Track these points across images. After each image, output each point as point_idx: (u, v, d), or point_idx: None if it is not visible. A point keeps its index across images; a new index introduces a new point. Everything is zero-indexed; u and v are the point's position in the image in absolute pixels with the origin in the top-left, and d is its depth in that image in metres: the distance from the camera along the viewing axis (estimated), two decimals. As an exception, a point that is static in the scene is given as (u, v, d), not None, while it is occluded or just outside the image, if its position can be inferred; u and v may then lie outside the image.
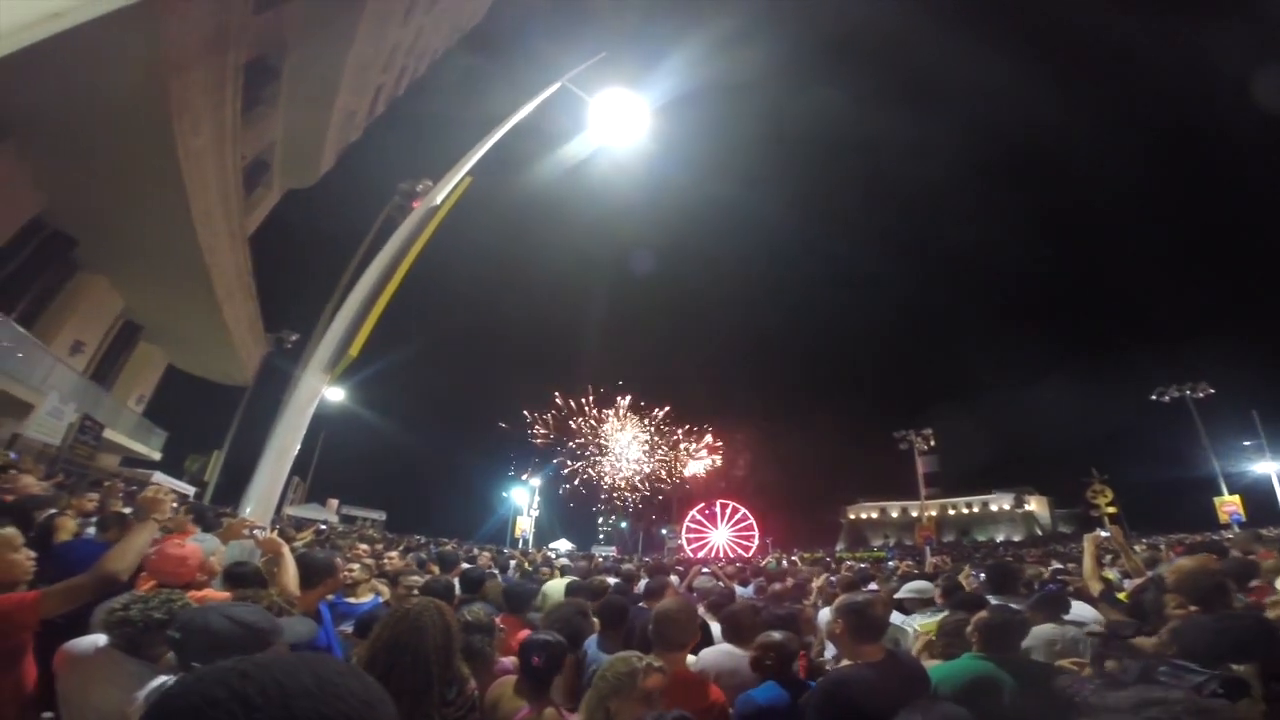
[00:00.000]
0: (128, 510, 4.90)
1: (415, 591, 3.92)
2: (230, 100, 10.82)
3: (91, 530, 4.38)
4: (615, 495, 50.68)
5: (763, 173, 75.45)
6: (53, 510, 4.51)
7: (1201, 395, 26.05)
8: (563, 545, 37.42)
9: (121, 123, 9.32)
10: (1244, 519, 22.49)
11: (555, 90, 11.48)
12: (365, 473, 50.73)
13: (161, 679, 1.67)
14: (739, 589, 6.74)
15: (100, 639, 1.86)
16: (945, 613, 3.40)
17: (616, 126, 12.19)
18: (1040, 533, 53.54)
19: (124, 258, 13.62)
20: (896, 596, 4.79)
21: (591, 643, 3.27)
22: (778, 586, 6.45)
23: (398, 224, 11.20)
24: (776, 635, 2.74)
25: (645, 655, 2.16)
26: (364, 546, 7.38)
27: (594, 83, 11.99)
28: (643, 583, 6.27)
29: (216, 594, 2.94)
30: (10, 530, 2.23)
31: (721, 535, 44.90)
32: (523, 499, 45.09)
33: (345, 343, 7.19)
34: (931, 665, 2.79)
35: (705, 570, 7.79)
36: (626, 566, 9.47)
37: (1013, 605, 3.27)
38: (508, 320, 77.54)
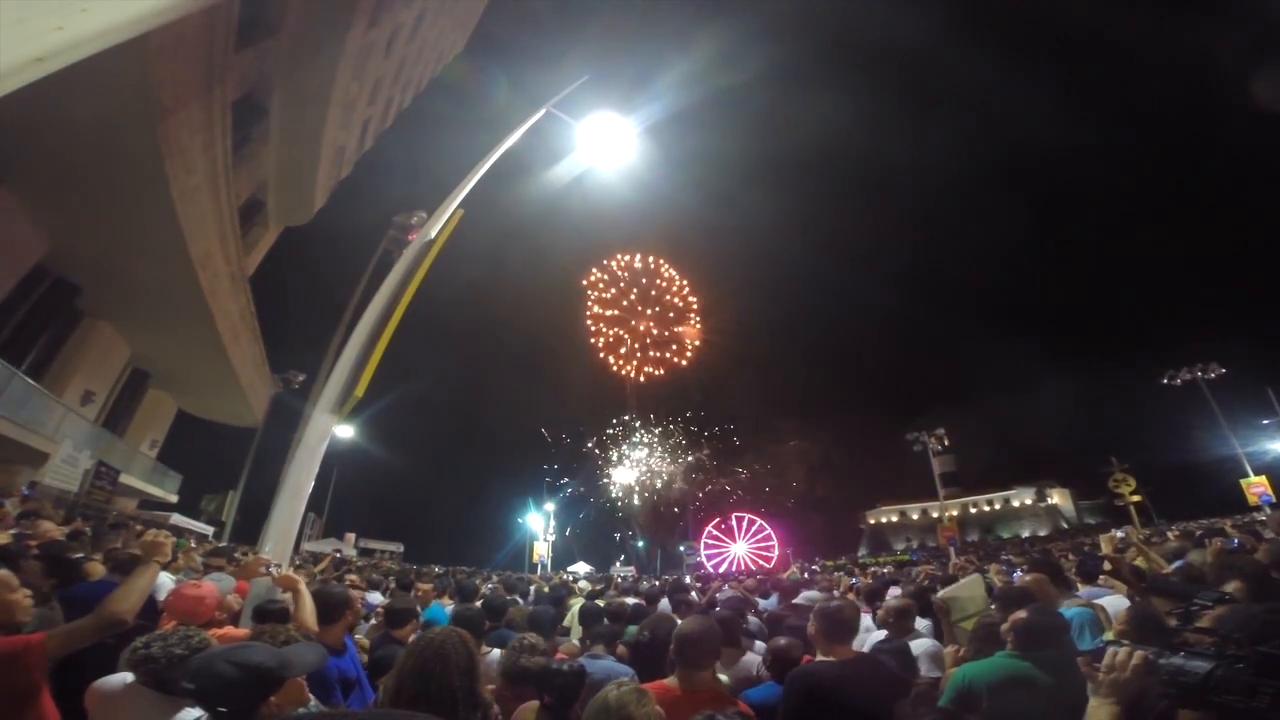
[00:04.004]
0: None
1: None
2: (220, 139, 10.80)
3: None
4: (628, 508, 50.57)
5: (760, 179, 75.89)
6: (81, 554, 4.51)
7: (1213, 376, 25.56)
8: (581, 568, 36.97)
9: (115, 164, 9.27)
10: (1274, 499, 22.04)
11: (540, 117, 11.52)
12: (381, 506, 50.99)
13: (189, 712, 1.70)
14: (761, 601, 6.65)
15: (128, 676, 1.90)
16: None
17: (603, 149, 12.17)
18: (1066, 525, 52.64)
19: (128, 303, 13.65)
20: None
21: (597, 664, 3.24)
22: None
23: (395, 257, 11.27)
24: (781, 641, 3.12)
25: (624, 684, 2.01)
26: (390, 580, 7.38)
27: (580, 106, 12.02)
28: (663, 602, 6.22)
29: (237, 631, 2.93)
30: (4, 572, 2.23)
31: (741, 548, 44.42)
32: (538, 524, 44.81)
33: (351, 382, 7.18)
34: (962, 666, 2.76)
35: (726, 586, 7.72)
36: (646, 586, 9.37)
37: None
38: (505, 345, 77.64)
